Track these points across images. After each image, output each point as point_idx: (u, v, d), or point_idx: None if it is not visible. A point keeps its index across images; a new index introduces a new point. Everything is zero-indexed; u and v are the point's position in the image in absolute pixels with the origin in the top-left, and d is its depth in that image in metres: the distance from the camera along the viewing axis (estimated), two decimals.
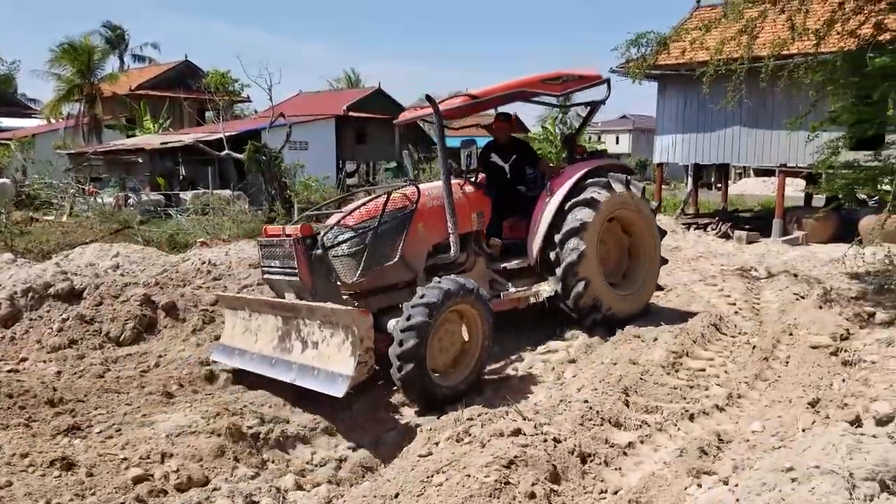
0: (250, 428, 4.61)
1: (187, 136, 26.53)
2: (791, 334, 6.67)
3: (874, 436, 3.29)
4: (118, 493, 3.83)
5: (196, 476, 4.08)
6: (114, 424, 4.81)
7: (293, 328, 5.47)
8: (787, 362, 5.97)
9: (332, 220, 6.34)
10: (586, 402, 4.76)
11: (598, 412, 4.63)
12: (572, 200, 6.94)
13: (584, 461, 4.07)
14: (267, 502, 3.93)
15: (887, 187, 8.07)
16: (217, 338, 6.94)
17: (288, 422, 4.90)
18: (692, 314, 7.17)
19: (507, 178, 7.58)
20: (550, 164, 8.75)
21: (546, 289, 7.03)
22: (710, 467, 3.91)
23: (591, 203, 6.91)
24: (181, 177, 26.77)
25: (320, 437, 4.85)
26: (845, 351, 6.06)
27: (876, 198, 13.04)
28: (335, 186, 23.61)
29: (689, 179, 23.71)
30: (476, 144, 6.95)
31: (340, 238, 5.98)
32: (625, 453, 4.28)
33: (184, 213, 17.26)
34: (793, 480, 2.96)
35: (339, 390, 4.78)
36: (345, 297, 5.96)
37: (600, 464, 4.10)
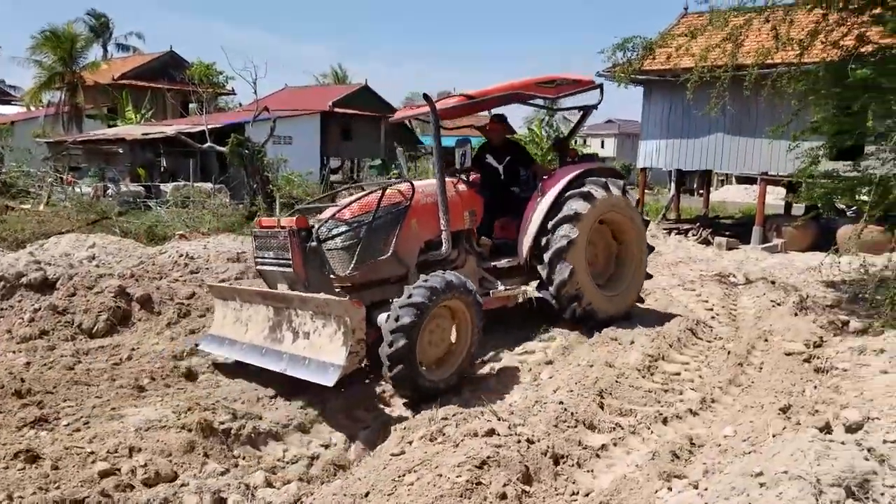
0: (222, 424, 4.56)
1: (169, 128, 26.27)
2: (766, 340, 6.73)
3: (843, 442, 3.31)
4: (83, 487, 3.76)
5: (164, 471, 4.02)
6: (82, 417, 4.73)
7: (285, 318, 5.52)
8: (761, 368, 6.02)
9: (327, 213, 6.39)
10: (561, 403, 4.76)
11: (572, 414, 4.64)
12: (570, 192, 7.04)
13: (556, 462, 4.07)
14: (235, 499, 3.89)
15: (865, 197, 8.16)
16: (192, 331, 6.89)
17: (261, 418, 4.85)
18: (669, 318, 7.21)
19: (500, 178, 7.68)
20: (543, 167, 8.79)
21: (534, 292, 7.13)
22: (681, 471, 3.92)
23: (587, 196, 7.03)
24: (162, 168, 26.52)
25: (293, 433, 4.81)
26: (818, 358, 6.11)
27: (854, 208, 13.20)
28: (318, 182, 23.46)
29: (672, 185, 23.86)
30: (470, 143, 7.06)
31: (335, 231, 6.05)
32: (597, 455, 4.28)
33: (163, 205, 17.10)
34: (761, 485, 2.98)
35: (329, 380, 4.81)
36: (337, 289, 6.00)
37: (573, 465, 4.10)
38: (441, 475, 3.64)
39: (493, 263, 7.10)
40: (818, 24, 8.53)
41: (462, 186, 7.05)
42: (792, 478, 2.92)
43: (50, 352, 6.19)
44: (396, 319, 5.20)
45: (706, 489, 3.34)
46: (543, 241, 6.98)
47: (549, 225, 6.95)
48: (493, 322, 6.80)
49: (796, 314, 7.75)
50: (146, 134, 26.25)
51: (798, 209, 18.33)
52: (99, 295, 7.19)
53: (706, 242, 16.52)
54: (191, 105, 32.83)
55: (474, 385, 5.82)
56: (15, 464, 3.91)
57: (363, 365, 5.70)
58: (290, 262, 5.72)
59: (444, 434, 4.31)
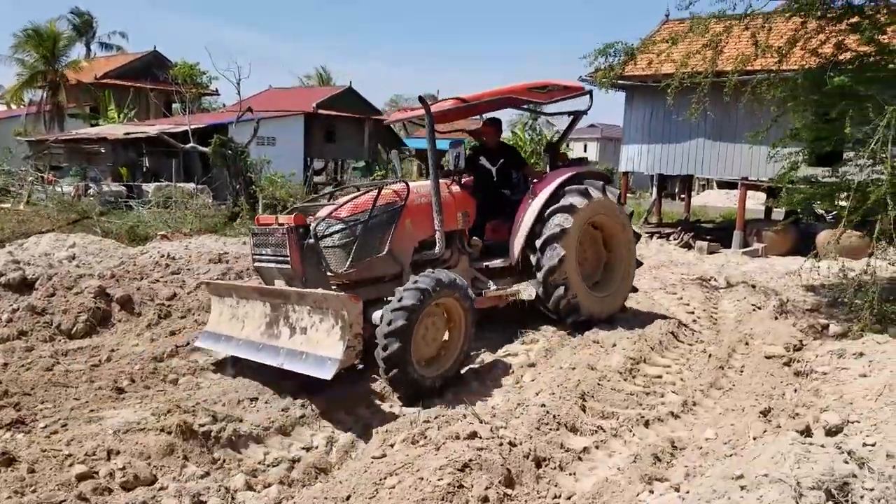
0: (202, 426, 4.51)
1: (152, 128, 26.05)
2: (747, 344, 6.79)
3: (822, 445, 3.34)
4: (60, 491, 3.70)
5: (143, 474, 3.97)
6: (60, 419, 4.67)
7: (282, 314, 5.60)
8: (742, 371, 6.07)
9: (324, 211, 6.48)
10: (543, 406, 4.77)
11: (554, 417, 4.64)
12: (552, 207, 7.11)
13: (538, 465, 4.07)
14: (215, 502, 3.84)
15: (844, 203, 8.23)
16: (173, 333, 6.84)
17: (241, 420, 4.81)
18: (651, 321, 7.24)
19: (493, 181, 7.77)
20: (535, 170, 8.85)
21: (526, 293, 7.22)
22: (662, 474, 3.94)
23: (585, 193, 7.15)
24: (144, 168, 26.26)
25: (274, 436, 4.76)
26: (798, 362, 6.18)
27: (833, 213, 13.33)
28: (302, 183, 23.33)
29: (654, 189, 24.00)
30: (464, 145, 7.18)
31: (332, 229, 6.15)
32: (580, 458, 4.29)
33: (145, 206, 16.94)
34: (742, 488, 3.00)
35: (327, 373, 4.87)
36: (333, 286, 6.08)
37: (555, 468, 4.11)
38: (423, 478, 3.63)
39: (485, 264, 7.22)
40: (797, 31, 8.62)
41: (455, 188, 7.19)
42: (772, 481, 2.94)
43: (28, 353, 6.11)
44: (389, 323, 5.29)
45: (687, 492, 3.36)
46: (537, 229, 7.07)
47: (546, 213, 7.04)
48: (475, 325, 6.81)
49: (776, 318, 7.83)
50: (128, 134, 26.00)
51: (778, 214, 18.53)
52: (78, 295, 7.11)
53: (687, 246, 16.64)
54: (174, 105, 32.55)
55: (456, 387, 5.81)
56: None
57: (357, 363, 5.74)
58: (288, 258, 5.83)
59: (425, 437, 4.30)
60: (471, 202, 7.24)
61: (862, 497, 2.94)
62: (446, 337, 5.89)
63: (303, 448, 4.71)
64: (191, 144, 19.62)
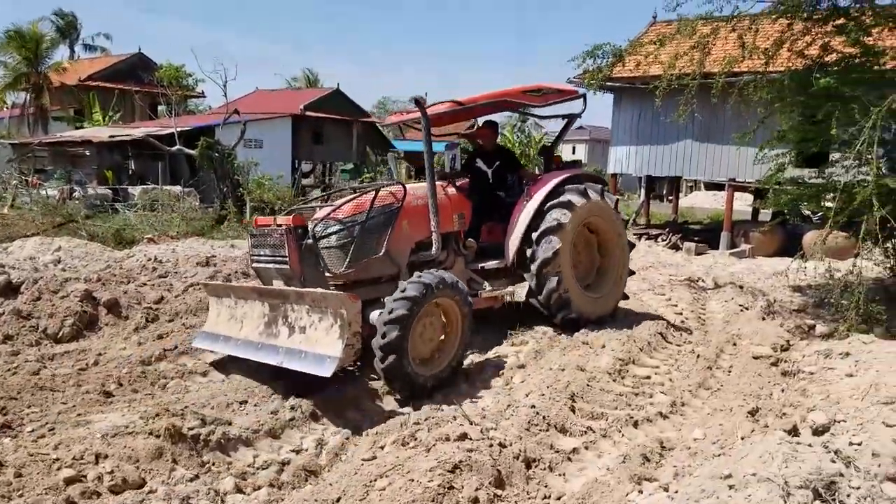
0: (191, 429, 4.48)
1: (138, 130, 25.90)
2: (734, 344, 6.83)
3: (810, 445, 3.36)
4: (48, 495, 3.67)
5: (131, 478, 3.94)
6: (47, 423, 4.63)
7: (280, 314, 5.64)
8: (730, 372, 6.11)
9: (322, 212, 6.57)
10: (533, 407, 4.78)
11: (544, 417, 4.65)
12: (550, 202, 7.20)
13: (528, 466, 4.08)
14: None
15: (830, 204, 8.30)
16: (160, 336, 6.80)
17: (230, 424, 4.78)
18: (640, 322, 7.27)
19: (489, 183, 7.82)
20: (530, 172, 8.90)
21: (520, 292, 7.29)
22: (651, 474, 3.96)
23: (569, 205, 7.18)
24: (130, 171, 26.13)
25: (263, 439, 4.74)
26: (785, 362, 6.23)
27: (819, 214, 13.43)
28: (290, 186, 23.29)
29: (642, 191, 24.11)
30: (459, 147, 7.21)
31: (330, 230, 6.23)
32: (569, 459, 4.30)
33: (131, 209, 16.84)
34: (730, 487, 3.01)
35: (326, 370, 4.91)
36: (331, 287, 6.10)
37: (545, 469, 4.12)
38: (413, 480, 3.63)
39: (480, 265, 7.28)
40: (783, 33, 8.69)
41: (452, 190, 7.26)
42: (760, 480, 2.96)
43: (14, 357, 6.05)
44: (390, 312, 5.36)
45: (676, 492, 3.37)
46: (529, 252, 7.13)
47: (534, 236, 7.09)
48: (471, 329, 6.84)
49: (764, 318, 7.88)
50: (114, 136, 25.85)
51: (765, 215, 18.65)
52: (64, 299, 7.05)
53: (675, 248, 16.73)
54: (160, 107, 32.46)
55: (446, 389, 5.81)
56: None
57: (353, 365, 5.77)
58: (287, 259, 5.88)
59: (416, 438, 4.30)
60: (466, 204, 7.31)
61: (849, 496, 2.96)
62: (442, 338, 5.94)
63: (292, 450, 4.69)
64: (177, 147, 19.53)
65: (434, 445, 4.05)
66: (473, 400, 5.55)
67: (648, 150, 18.07)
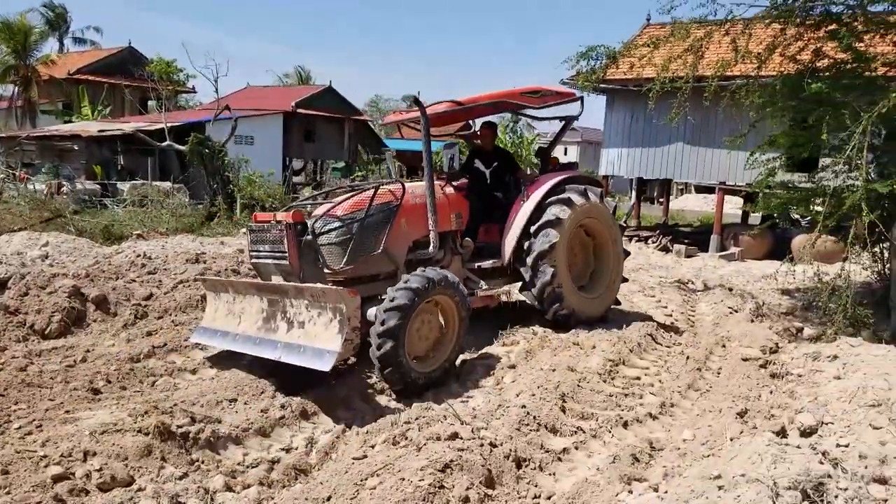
0: (180, 427, 4.46)
1: (127, 125, 25.74)
2: (723, 346, 6.86)
3: (798, 446, 3.39)
4: (36, 492, 3.64)
5: (120, 476, 3.92)
6: (34, 420, 4.59)
7: (279, 309, 5.67)
8: (719, 373, 6.13)
9: (321, 209, 6.60)
10: (524, 407, 4.78)
11: (534, 418, 4.66)
12: (550, 199, 7.28)
13: (519, 466, 4.08)
14: (194, 503, 3.81)
15: (819, 208, 8.37)
16: (149, 333, 6.75)
17: (220, 421, 4.76)
18: (630, 324, 7.29)
19: (486, 183, 7.89)
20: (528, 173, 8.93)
21: (516, 292, 7.42)
22: (641, 474, 3.98)
23: (568, 202, 7.26)
24: (119, 166, 25.93)
25: (253, 437, 4.73)
26: (774, 364, 6.26)
27: (808, 218, 13.53)
28: (281, 183, 23.19)
29: (633, 193, 24.20)
30: (458, 146, 7.28)
31: (329, 227, 6.27)
32: (559, 459, 4.31)
33: (120, 204, 16.74)
34: (720, 488, 3.03)
35: (325, 364, 4.94)
36: (330, 283, 6.12)
37: (535, 469, 4.13)
38: (404, 479, 3.63)
39: (477, 264, 7.34)
40: (776, 38, 8.74)
41: (449, 189, 7.31)
42: (750, 481, 2.98)
43: (0, 353, 5.99)
44: (382, 323, 5.42)
45: (666, 492, 3.38)
46: (526, 244, 7.19)
47: (532, 229, 7.17)
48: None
49: (753, 321, 7.92)
50: (103, 131, 25.66)
51: (755, 219, 18.75)
52: (52, 295, 6.99)
53: (665, 250, 16.80)
54: (150, 102, 32.23)
55: (437, 388, 5.82)
56: None
57: (345, 362, 5.81)
58: (286, 254, 5.92)
59: (406, 438, 4.30)
60: (464, 204, 7.38)
61: (836, 497, 2.98)
62: (438, 338, 6.01)
63: (282, 449, 4.68)
64: (167, 143, 19.44)
65: (425, 445, 4.04)
66: (464, 399, 5.56)
67: (640, 153, 18.15)
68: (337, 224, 6.28)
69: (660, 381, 5.91)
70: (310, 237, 6.03)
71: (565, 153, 59.80)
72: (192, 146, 17.89)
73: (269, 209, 15.78)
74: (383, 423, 4.75)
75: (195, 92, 40.19)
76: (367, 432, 4.66)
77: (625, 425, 4.88)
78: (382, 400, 5.62)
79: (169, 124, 20.46)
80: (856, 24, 8.24)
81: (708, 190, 29.99)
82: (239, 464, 4.42)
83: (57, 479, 3.77)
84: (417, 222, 6.73)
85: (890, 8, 8.57)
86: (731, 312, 8.65)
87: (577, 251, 7.77)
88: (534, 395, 5.11)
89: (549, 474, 4.12)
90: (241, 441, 4.66)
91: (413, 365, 5.65)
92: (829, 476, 3.06)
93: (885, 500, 3.12)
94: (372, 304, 5.77)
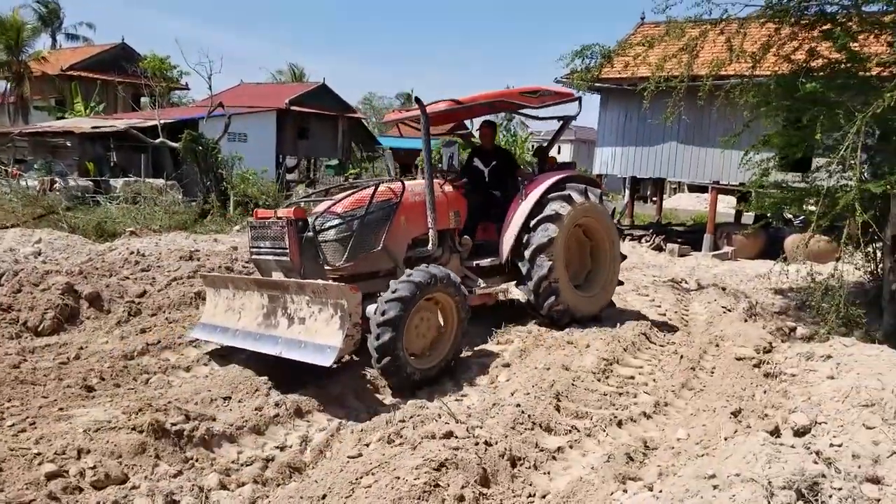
0: (174, 425, 4.45)
1: (120, 122, 25.59)
2: (717, 345, 6.88)
3: (792, 446, 3.41)
4: (29, 490, 3.62)
5: (114, 473, 3.91)
6: (28, 418, 4.57)
7: (279, 305, 5.71)
8: (713, 372, 6.15)
9: (322, 206, 6.66)
10: (518, 406, 4.79)
11: (529, 416, 4.67)
12: (550, 195, 7.31)
13: (513, 465, 4.09)
14: (188, 501, 3.80)
15: (813, 208, 8.39)
16: (143, 331, 6.73)
17: (214, 419, 4.75)
18: (624, 323, 7.31)
19: (485, 182, 7.91)
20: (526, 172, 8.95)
21: (513, 290, 7.45)
22: (636, 473, 3.98)
23: (568, 199, 7.31)
24: (112, 163, 25.79)
25: (247, 435, 4.72)
26: (767, 363, 6.28)
27: (801, 217, 13.59)
28: (274, 181, 23.13)
29: (627, 192, 24.24)
30: (457, 145, 7.36)
31: (330, 224, 6.32)
32: (554, 458, 4.32)
33: (113, 201, 16.66)
34: (714, 487, 3.04)
35: (326, 360, 4.98)
36: (330, 279, 6.15)
37: (530, 468, 4.13)
38: (399, 477, 3.63)
39: (475, 262, 7.38)
40: (771, 37, 8.76)
41: (448, 187, 7.34)
42: (744, 480, 2.99)
43: None
44: (383, 314, 5.47)
45: (661, 491, 3.39)
46: (525, 238, 7.23)
47: (532, 223, 7.20)
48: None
49: (746, 320, 7.95)
50: (96, 127, 25.51)
51: (748, 218, 18.84)
52: (45, 292, 6.96)
53: (659, 249, 16.83)
54: (143, 99, 32.11)
55: (431, 387, 5.82)
56: None
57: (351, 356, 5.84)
58: (287, 251, 5.97)
59: (401, 436, 4.30)
60: (463, 202, 7.41)
61: (830, 496, 3.00)
62: (439, 330, 6.06)
63: (277, 447, 4.67)
64: (160, 139, 19.36)
65: (420, 443, 4.04)
66: (459, 398, 5.56)
67: (634, 152, 18.18)
68: (338, 221, 6.33)
69: (654, 380, 5.93)
70: (311, 234, 6.07)
71: (559, 152, 59.84)
72: (186, 143, 17.82)
73: (262, 206, 15.73)
74: (378, 422, 4.75)
75: (188, 89, 40.08)
76: (361, 431, 4.65)
77: (619, 424, 4.89)
78: (377, 398, 5.62)
79: (162, 121, 20.38)
80: (850, 24, 8.26)
81: (701, 189, 30.10)
82: (233, 462, 4.41)
83: (50, 476, 3.75)
84: (417, 220, 6.78)
85: (884, 8, 8.62)
86: (724, 312, 8.67)
87: (575, 251, 7.79)
88: (528, 393, 5.12)
89: (544, 473, 4.13)
90: (235, 439, 4.65)
91: (410, 360, 5.67)
92: (824, 476, 3.08)
93: (879, 500, 3.14)
94: (371, 301, 5.79)
